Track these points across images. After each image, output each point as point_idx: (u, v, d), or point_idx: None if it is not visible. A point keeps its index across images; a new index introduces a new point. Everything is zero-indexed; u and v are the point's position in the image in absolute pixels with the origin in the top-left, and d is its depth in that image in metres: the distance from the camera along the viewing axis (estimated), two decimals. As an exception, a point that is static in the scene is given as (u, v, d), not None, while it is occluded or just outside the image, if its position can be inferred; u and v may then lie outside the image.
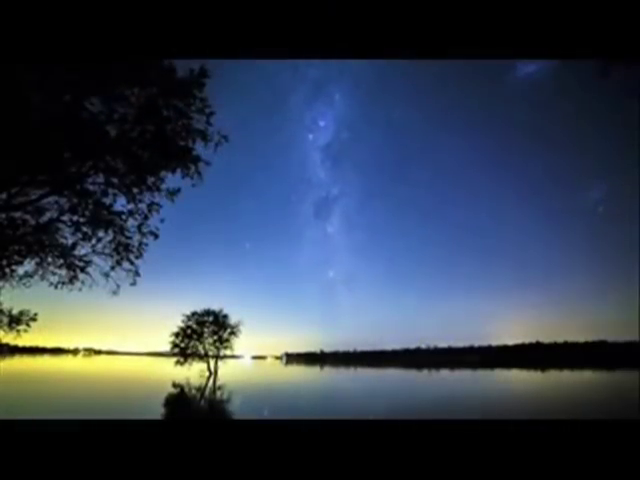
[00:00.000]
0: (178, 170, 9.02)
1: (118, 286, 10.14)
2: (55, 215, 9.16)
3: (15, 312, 11.78)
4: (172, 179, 9.25)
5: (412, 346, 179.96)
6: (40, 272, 9.98)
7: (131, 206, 9.22)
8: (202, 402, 17.44)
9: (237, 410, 15.05)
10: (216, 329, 34.54)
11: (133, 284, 10.21)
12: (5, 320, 11.66)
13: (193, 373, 32.08)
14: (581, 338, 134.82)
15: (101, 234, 9.48)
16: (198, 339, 33.79)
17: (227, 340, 34.81)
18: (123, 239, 9.63)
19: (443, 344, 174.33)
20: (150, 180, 8.95)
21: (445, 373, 50.93)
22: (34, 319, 12.10)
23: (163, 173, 9.04)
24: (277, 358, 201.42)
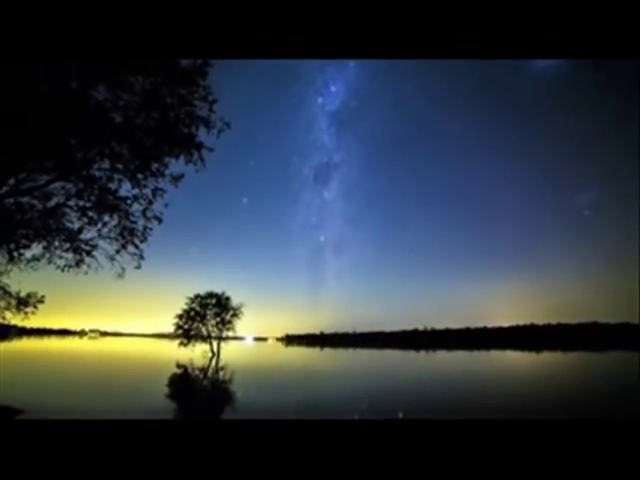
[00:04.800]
0: (182, 156, 9.16)
1: (123, 269, 10.47)
2: (62, 200, 9.35)
3: (23, 294, 12.01)
4: (175, 164, 9.42)
5: (409, 327, 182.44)
6: (47, 255, 10.24)
7: (136, 191, 9.42)
8: (205, 382, 18.08)
9: (238, 390, 15.64)
10: (218, 311, 34.99)
11: (138, 267, 10.50)
12: (13, 302, 11.88)
13: (196, 354, 32.67)
14: (573, 320, 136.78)
15: (107, 219, 9.72)
16: (201, 321, 34.31)
17: (229, 322, 35.32)
18: (128, 223, 9.87)
19: (440, 325, 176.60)
20: (154, 166, 9.11)
21: (442, 354, 52.10)
22: (41, 301, 12.33)
23: (167, 159, 9.19)
24: (278, 340, 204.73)
